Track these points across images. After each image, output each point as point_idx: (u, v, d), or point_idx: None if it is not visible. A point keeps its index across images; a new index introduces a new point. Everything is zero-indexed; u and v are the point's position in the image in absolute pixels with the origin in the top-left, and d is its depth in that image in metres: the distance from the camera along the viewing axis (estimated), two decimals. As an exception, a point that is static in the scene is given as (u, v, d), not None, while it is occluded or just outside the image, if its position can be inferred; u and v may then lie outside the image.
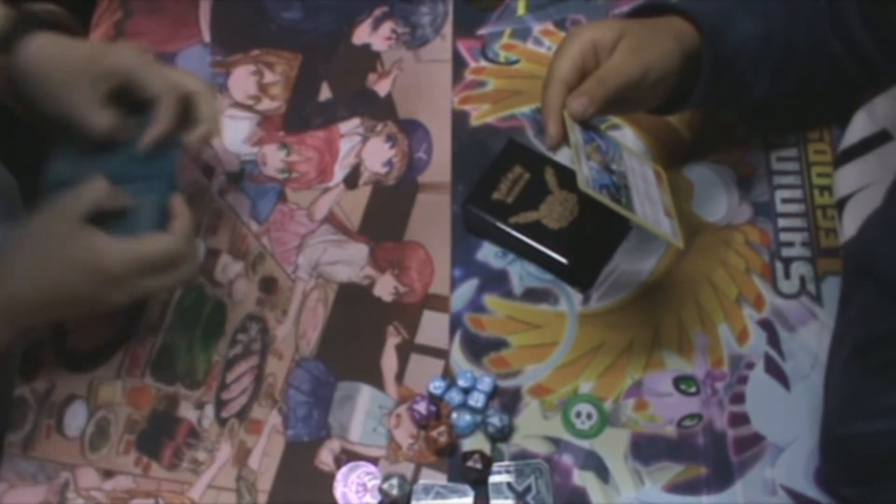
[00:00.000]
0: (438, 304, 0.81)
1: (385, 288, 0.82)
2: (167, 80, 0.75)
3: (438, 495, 0.73)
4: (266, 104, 0.91)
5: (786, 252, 0.81)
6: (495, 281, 0.82)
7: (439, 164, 0.87)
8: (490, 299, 0.81)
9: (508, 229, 0.80)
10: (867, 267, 0.63)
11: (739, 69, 0.74)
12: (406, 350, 0.80)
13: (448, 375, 0.78)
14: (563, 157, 0.86)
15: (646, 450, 0.74)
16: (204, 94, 0.76)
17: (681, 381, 0.77)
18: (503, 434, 0.75)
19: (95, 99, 0.75)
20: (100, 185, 0.72)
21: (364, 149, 0.89)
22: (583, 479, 0.74)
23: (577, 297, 0.80)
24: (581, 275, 0.80)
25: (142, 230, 0.72)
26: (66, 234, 0.70)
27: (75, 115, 0.76)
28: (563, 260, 0.79)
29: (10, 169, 0.84)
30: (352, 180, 0.87)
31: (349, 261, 0.84)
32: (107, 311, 0.76)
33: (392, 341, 0.80)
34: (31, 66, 0.75)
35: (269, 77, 0.93)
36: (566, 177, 0.82)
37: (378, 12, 0.95)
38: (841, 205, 0.75)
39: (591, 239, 0.80)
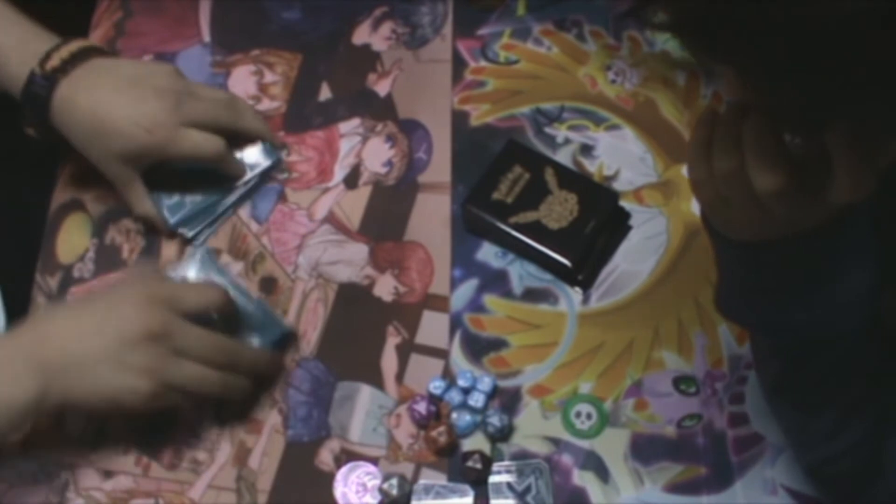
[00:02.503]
0: (438, 304, 0.81)
1: (385, 288, 0.82)
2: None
3: (438, 495, 0.73)
4: (266, 104, 0.91)
5: (786, 252, 0.81)
6: (495, 281, 0.82)
7: (439, 164, 0.87)
8: (490, 299, 0.81)
9: (508, 229, 0.80)
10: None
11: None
12: (406, 350, 0.80)
13: (448, 375, 0.78)
14: (563, 157, 0.86)
15: (646, 450, 0.74)
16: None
17: (680, 381, 0.77)
18: (503, 434, 0.75)
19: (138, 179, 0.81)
20: (217, 294, 0.74)
21: (364, 149, 0.89)
22: (583, 479, 0.74)
23: (577, 297, 0.80)
24: (581, 275, 0.80)
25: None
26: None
27: (119, 191, 0.82)
28: (563, 260, 0.79)
29: (10, 176, 0.85)
30: (352, 180, 0.87)
31: (349, 261, 0.84)
32: (130, 398, 0.70)
33: (392, 341, 0.80)
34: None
35: (269, 77, 0.93)
36: (566, 177, 0.82)
37: (378, 12, 0.95)
38: None
39: (590, 239, 0.80)
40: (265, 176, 0.87)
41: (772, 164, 0.50)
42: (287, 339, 0.80)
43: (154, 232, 0.85)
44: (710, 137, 0.54)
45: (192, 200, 0.84)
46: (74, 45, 0.78)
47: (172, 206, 0.83)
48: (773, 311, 0.60)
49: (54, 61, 0.77)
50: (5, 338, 0.72)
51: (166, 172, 0.82)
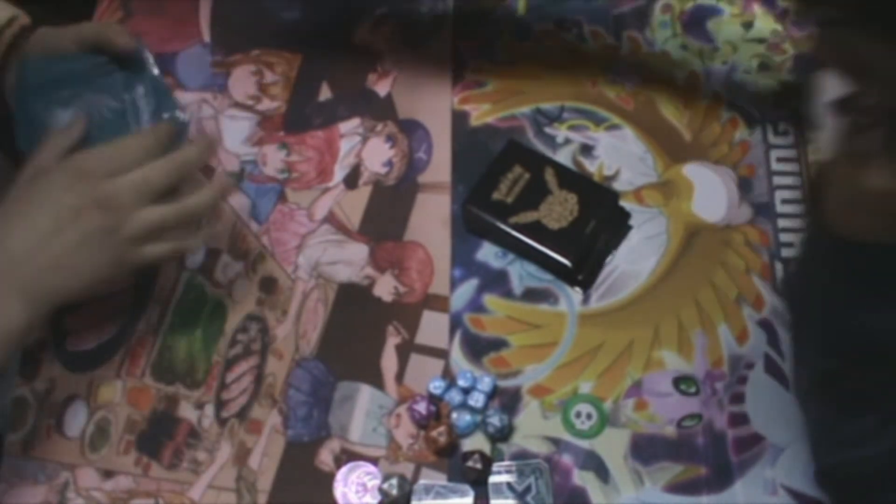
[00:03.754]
0: (438, 304, 0.81)
1: (385, 288, 0.82)
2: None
3: (438, 495, 0.73)
4: (266, 104, 0.91)
5: (786, 252, 0.81)
6: (495, 281, 0.82)
7: (439, 164, 0.87)
8: (490, 299, 0.81)
9: (508, 229, 0.80)
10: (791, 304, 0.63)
11: None
12: (406, 350, 0.80)
13: (448, 375, 0.78)
14: (563, 157, 0.86)
15: (646, 450, 0.74)
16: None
17: (681, 381, 0.77)
18: (503, 434, 0.75)
19: None
20: (68, 129, 0.73)
21: (364, 149, 0.89)
22: (583, 479, 0.74)
23: (577, 297, 0.80)
24: (581, 275, 0.80)
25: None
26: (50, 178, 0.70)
27: None
28: (563, 260, 0.79)
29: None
30: (352, 180, 0.87)
31: (349, 261, 0.84)
32: (126, 263, 0.72)
33: (392, 341, 0.80)
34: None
35: (269, 77, 0.93)
36: (566, 177, 0.82)
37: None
38: None
39: (591, 239, 0.80)
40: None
41: None
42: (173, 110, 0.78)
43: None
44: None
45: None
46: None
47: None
48: (861, 313, 0.58)
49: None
50: None
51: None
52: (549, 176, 0.82)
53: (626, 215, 0.83)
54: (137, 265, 0.73)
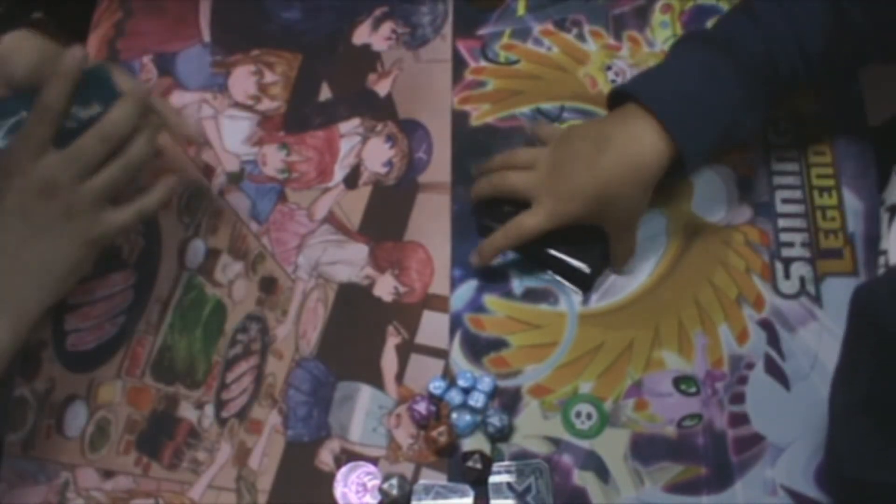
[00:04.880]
0: (438, 304, 0.81)
1: (385, 288, 0.82)
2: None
3: (438, 495, 0.73)
4: (266, 104, 0.91)
5: (786, 252, 0.81)
6: (495, 281, 0.82)
7: (439, 164, 0.87)
8: (490, 299, 0.81)
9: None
10: (874, 321, 0.60)
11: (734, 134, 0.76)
12: (406, 350, 0.80)
13: (448, 375, 0.78)
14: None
15: (646, 450, 0.74)
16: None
17: (681, 381, 0.77)
18: (503, 434, 0.75)
19: None
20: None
21: (364, 149, 0.89)
22: (583, 479, 0.74)
23: (577, 297, 0.80)
24: (595, 279, 0.80)
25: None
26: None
27: None
28: (584, 268, 0.79)
29: None
30: (352, 180, 0.87)
31: (349, 261, 0.84)
32: (101, 233, 0.71)
33: (392, 341, 0.80)
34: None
35: (269, 77, 0.93)
36: None
37: (378, 12, 0.95)
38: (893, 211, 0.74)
39: (600, 243, 0.80)
40: None
41: None
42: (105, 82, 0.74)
43: (154, 232, 0.85)
44: None
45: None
46: None
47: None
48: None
49: None
50: None
51: None
52: None
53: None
54: (106, 237, 0.72)
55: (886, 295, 0.59)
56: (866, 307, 0.61)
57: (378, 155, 0.88)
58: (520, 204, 0.80)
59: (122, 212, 0.73)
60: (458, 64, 0.92)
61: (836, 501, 0.71)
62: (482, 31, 0.93)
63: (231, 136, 0.90)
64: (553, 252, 0.79)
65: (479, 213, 0.82)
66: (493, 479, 0.73)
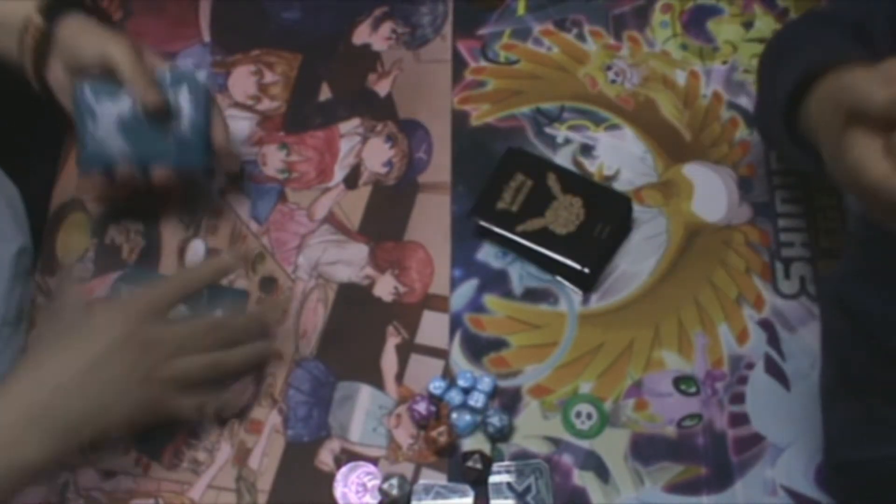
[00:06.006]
0: (438, 304, 0.81)
1: (385, 288, 0.82)
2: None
3: (438, 495, 0.73)
4: (266, 104, 0.91)
5: (786, 252, 0.81)
6: (495, 281, 0.82)
7: (439, 164, 0.87)
8: (490, 299, 0.81)
9: (518, 239, 0.80)
10: (845, 308, 0.62)
11: None
12: (406, 350, 0.80)
13: (448, 375, 0.78)
14: (563, 157, 0.86)
15: (646, 450, 0.74)
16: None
17: (681, 381, 0.77)
18: (503, 434, 0.75)
19: None
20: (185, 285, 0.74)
21: (364, 149, 0.89)
22: (583, 479, 0.74)
23: (577, 297, 0.80)
24: (594, 279, 0.80)
25: None
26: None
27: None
28: (582, 269, 0.79)
29: (11, 176, 0.85)
30: (352, 180, 0.87)
31: (349, 261, 0.84)
32: (166, 411, 0.73)
33: (392, 341, 0.80)
34: (62, 49, 0.77)
35: (269, 77, 0.93)
36: (568, 181, 0.82)
37: (378, 12, 0.95)
38: None
39: (602, 243, 0.80)
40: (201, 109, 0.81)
41: None
42: (242, 298, 0.81)
43: (154, 232, 0.85)
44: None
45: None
46: None
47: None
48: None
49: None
50: (7, 399, 0.68)
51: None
52: (552, 182, 0.82)
53: (630, 217, 0.83)
54: (168, 414, 0.73)
55: (850, 277, 0.61)
56: (833, 292, 0.62)
57: (378, 155, 0.88)
58: (520, 204, 0.80)
59: (188, 400, 0.73)
60: (458, 64, 0.92)
61: (836, 495, 0.71)
62: (482, 31, 0.93)
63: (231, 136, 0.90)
64: (553, 253, 0.79)
65: (476, 214, 0.82)
66: (493, 479, 0.73)
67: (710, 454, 0.74)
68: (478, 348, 0.79)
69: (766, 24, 0.91)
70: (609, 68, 0.90)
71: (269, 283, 0.83)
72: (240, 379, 0.78)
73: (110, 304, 0.75)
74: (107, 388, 0.69)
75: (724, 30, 0.91)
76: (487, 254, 0.83)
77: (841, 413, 0.66)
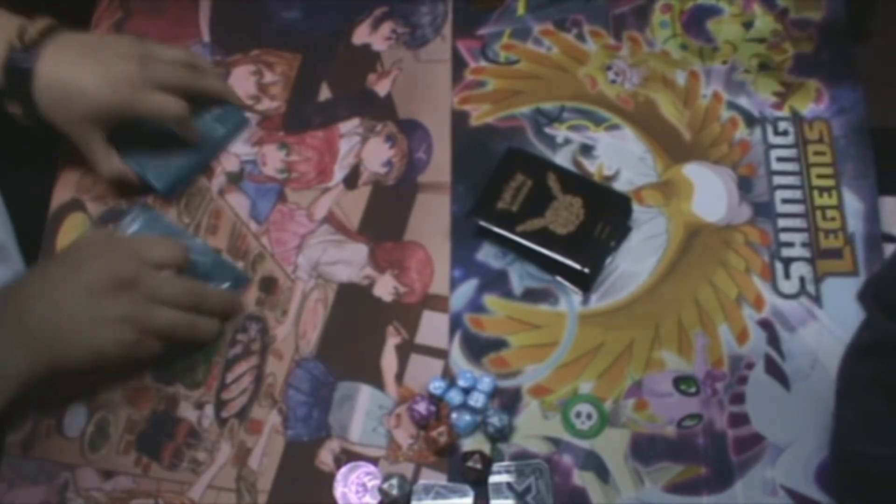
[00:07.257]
0: (438, 304, 0.81)
1: (385, 288, 0.82)
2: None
3: (438, 495, 0.73)
4: (266, 104, 0.91)
5: (786, 252, 0.81)
6: (495, 281, 0.82)
7: (439, 164, 0.87)
8: (490, 299, 0.81)
9: (518, 239, 0.80)
10: (883, 307, 0.62)
11: None
12: (406, 350, 0.80)
13: (448, 375, 0.78)
14: (563, 157, 0.86)
15: (646, 450, 0.74)
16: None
17: (681, 381, 0.77)
18: (503, 434, 0.75)
19: (102, 140, 0.83)
20: (177, 249, 0.78)
21: (364, 149, 0.89)
22: (583, 479, 0.74)
23: (577, 297, 0.80)
24: (594, 279, 0.80)
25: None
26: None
27: (85, 154, 0.83)
28: (582, 269, 0.79)
29: (11, 176, 0.85)
30: (351, 180, 0.87)
31: (349, 261, 0.84)
32: (134, 344, 0.75)
33: (392, 341, 0.80)
34: (42, 91, 0.79)
35: (268, 77, 0.93)
36: (568, 181, 0.82)
37: (378, 12, 0.95)
38: None
39: (602, 243, 0.80)
40: (231, 136, 0.89)
41: None
42: (241, 283, 0.83)
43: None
44: None
45: (176, 164, 0.86)
46: (42, 23, 0.80)
47: (157, 174, 0.85)
48: None
49: (31, 34, 0.79)
50: None
51: (137, 139, 0.84)
52: (552, 182, 0.82)
53: (629, 217, 0.83)
54: (139, 357, 0.76)
55: (891, 281, 0.62)
56: (874, 295, 0.63)
57: (378, 155, 0.88)
58: (520, 204, 0.80)
59: (157, 349, 0.77)
60: (458, 64, 0.92)
61: (835, 489, 0.71)
62: (482, 31, 0.93)
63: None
64: (553, 253, 0.79)
65: (476, 214, 0.82)
66: (492, 479, 0.73)
67: (710, 454, 0.74)
68: (478, 348, 0.79)
69: (765, 24, 0.91)
70: (609, 68, 0.90)
71: (269, 283, 0.83)
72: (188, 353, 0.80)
73: (110, 241, 0.79)
74: (86, 326, 0.72)
75: (724, 30, 0.91)
76: (487, 254, 0.83)
77: (863, 405, 0.65)
